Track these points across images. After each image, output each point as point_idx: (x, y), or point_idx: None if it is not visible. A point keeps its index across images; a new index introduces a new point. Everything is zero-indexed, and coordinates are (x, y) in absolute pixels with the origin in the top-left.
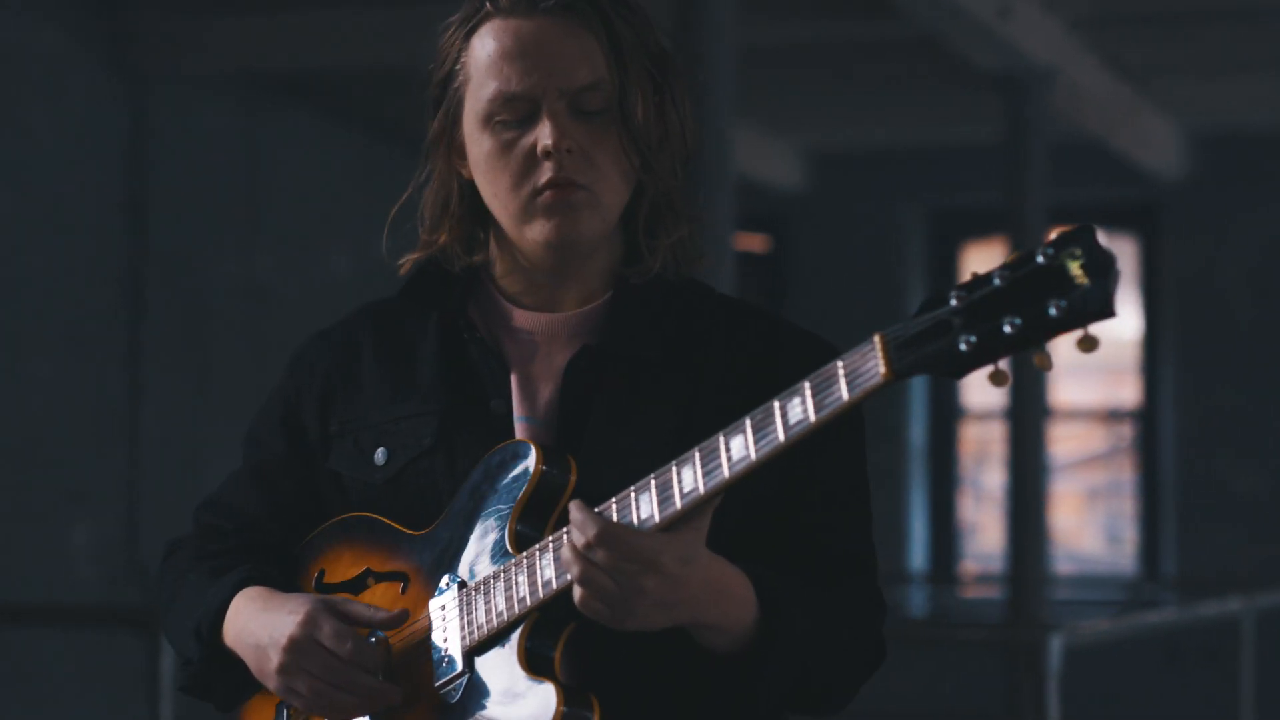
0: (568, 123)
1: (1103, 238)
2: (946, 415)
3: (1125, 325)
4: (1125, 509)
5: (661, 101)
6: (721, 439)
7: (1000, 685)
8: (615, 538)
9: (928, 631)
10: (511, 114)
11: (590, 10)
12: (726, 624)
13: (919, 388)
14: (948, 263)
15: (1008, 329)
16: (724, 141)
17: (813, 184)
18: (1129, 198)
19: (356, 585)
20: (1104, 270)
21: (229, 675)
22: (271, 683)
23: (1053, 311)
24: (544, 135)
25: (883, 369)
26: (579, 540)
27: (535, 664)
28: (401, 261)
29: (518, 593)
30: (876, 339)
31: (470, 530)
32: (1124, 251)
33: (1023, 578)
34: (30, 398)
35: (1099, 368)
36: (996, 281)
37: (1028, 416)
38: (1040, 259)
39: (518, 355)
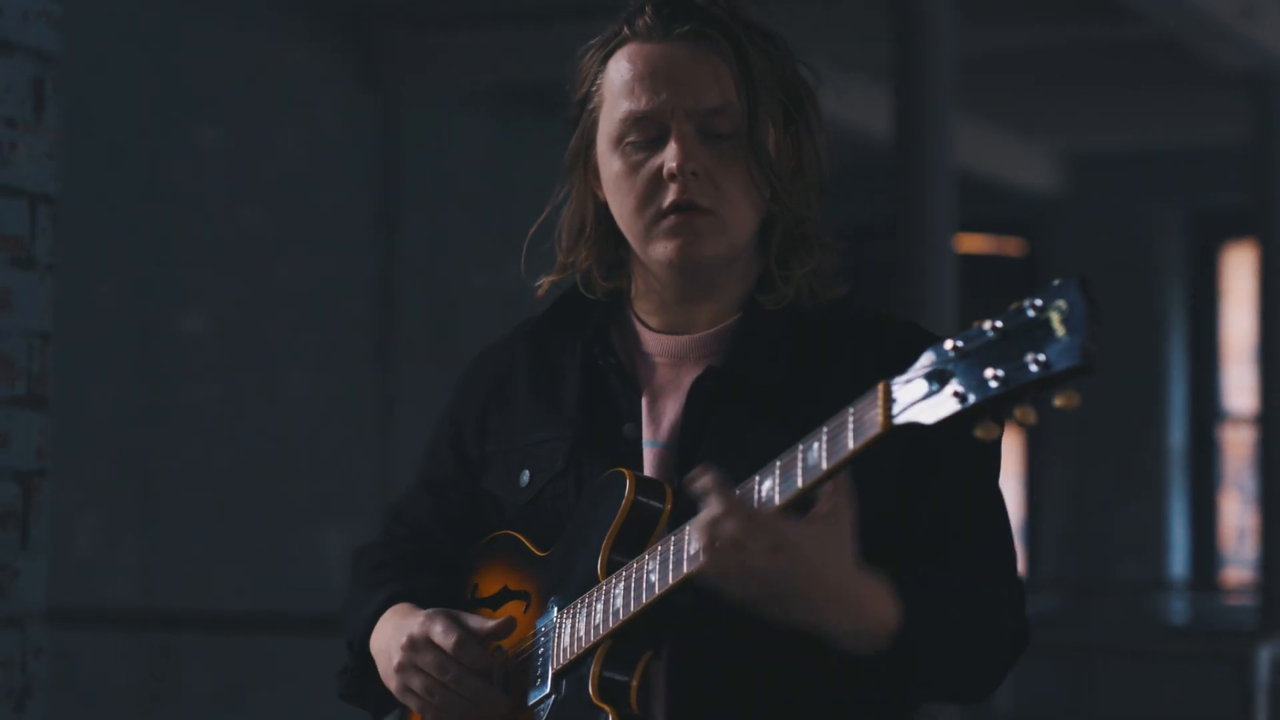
0: (695, 145)
1: (1087, 290)
2: (1207, 418)
3: None
4: None
5: (795, 132)
6: (756, 479)
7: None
8: (750, 513)
9: (1132, 641)
10: (641, 135)
11: (723, 37)
12: (867, 626)
13: (1178, 388)
14: (1206, 265)
15: (992, 383)
16: (944, 144)
17: (1067, 186)
18: None
19: (496, 601)
20: (1080, 325)
21: (378, 684)
22: (393, 683)
23: (1031, 366)
24: (669, 157)
25: (880, 419)
26: (705, 516)
27: (609, 690)
28: (539, 283)
29: (593, 619)
30: (879, 388)
31: (576, 555)
32: None
33: (1275, 585)
34: (285, 409)
35: None
36: (989, 332)
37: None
38: (1030, 311)
39: (650, 379)
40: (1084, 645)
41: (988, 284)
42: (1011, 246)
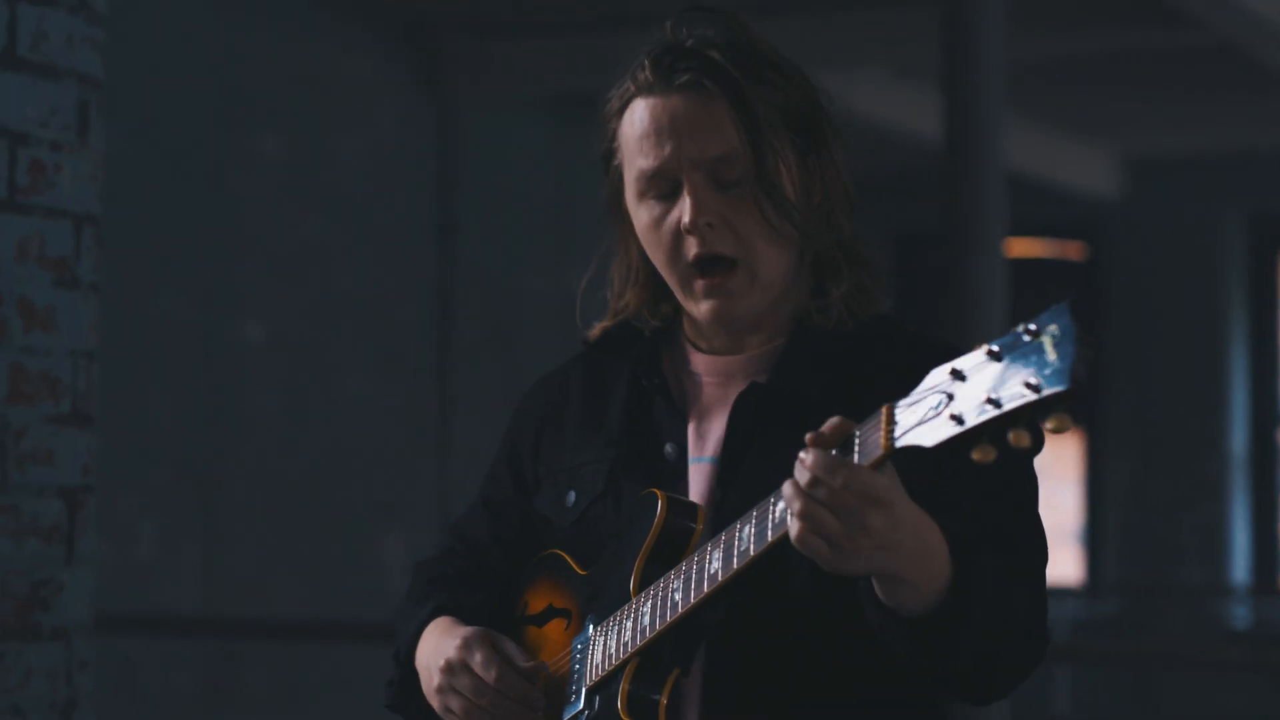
0: (707, 195)
1: (1078, 314)
2: (1268, 422)
3: None
4: None
5: (813, 159)
6: (771, 500)
7: None
8: (844, 472)
9: (1193, 649)
10: (657, 190)
11: (721, 83)
12: (924, 580)
13: (1239, 391)
14: (1266, 268)
15: (987, 406)
16: (994, 150)
17: (1128, 191)
18: None
19: (541, 619)
20: (1069, 349)
21: (421, 696)
22: (434, 701)
23: (1023, 390)
24: (684, 211)
25: (882, 441)
26: (804, 477)
27: (637, 707)
28: (591, 329)
29: (623, 637)
30: (883, 410)
31: (611, 574)
32: None
33: None
34: (344, 414)
35: None
36: (986, 356)
37: None
38: (1025, 335)
39: (697, 398)
40: (1145, 652)
41: (1049, 288)
42: (1072, 251)
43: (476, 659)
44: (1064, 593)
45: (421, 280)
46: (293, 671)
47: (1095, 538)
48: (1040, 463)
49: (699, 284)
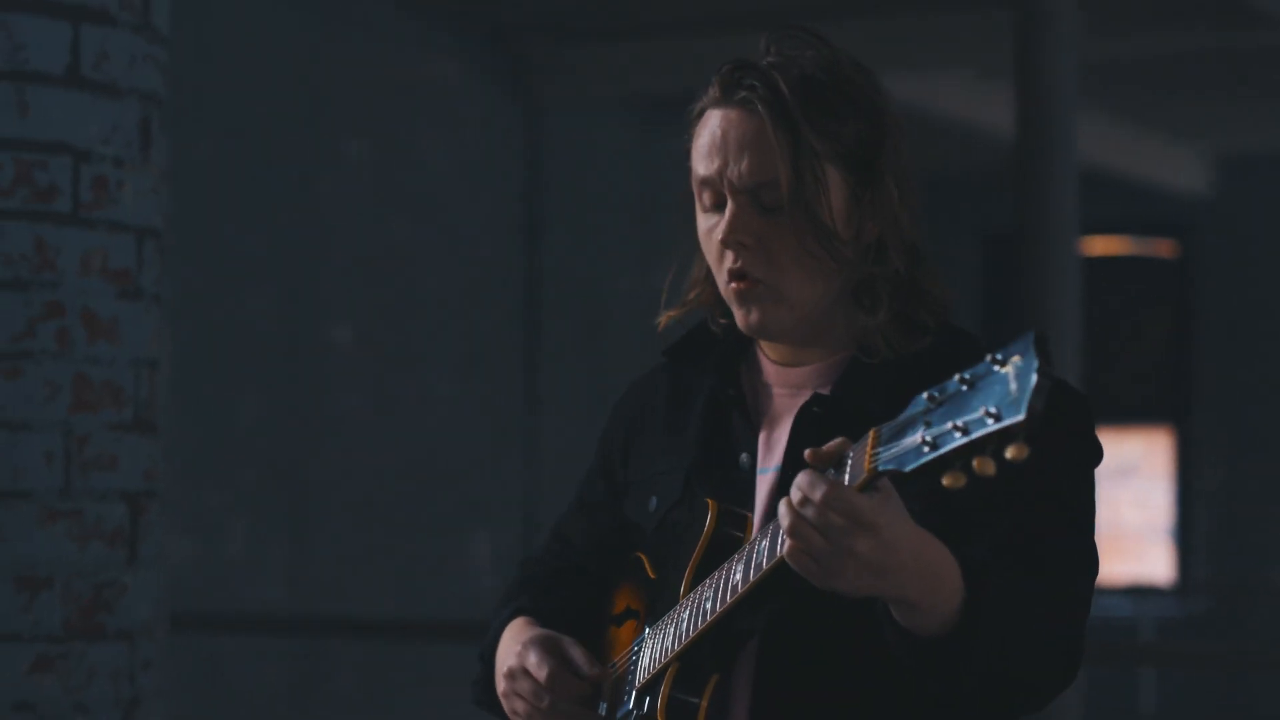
0: (748, 217)
1: (1043, 345)
2: None
3: None
4: None
5: (864, 197)
6: (769, 529)
7: None
8: (827, 491)
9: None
10: (710, 199)
11: (772, 108)
12: (932, 603)
13: None
14: None
15: (956, 433)
16: (1067, 147)
17: (1218, 188)
18: None
19: (620, 619)
20: (1027, 380)
21: None
22: (504, 705)
23: (987, 420)
24: (720, 226)
25: (865, 464)
26: (795, 496)
27: (677, 710)
28: (658, 319)
29: (666, 641)
30: (870, 434)
31: (669, 579)
32: None
33: None
34: (431, 415)
35: None
36: (961, 386)
37: None
38: (994, 365)
39: (768, 409)
40: (1233, 658)
41: (1138, 287)
42: (1163, 249)
43: (531, 661)
44: (1154, 592)
45: (507, 281)
46: (378, 670)
47: (1186, 537)
48: (1131, 461)
49: (733, 287)
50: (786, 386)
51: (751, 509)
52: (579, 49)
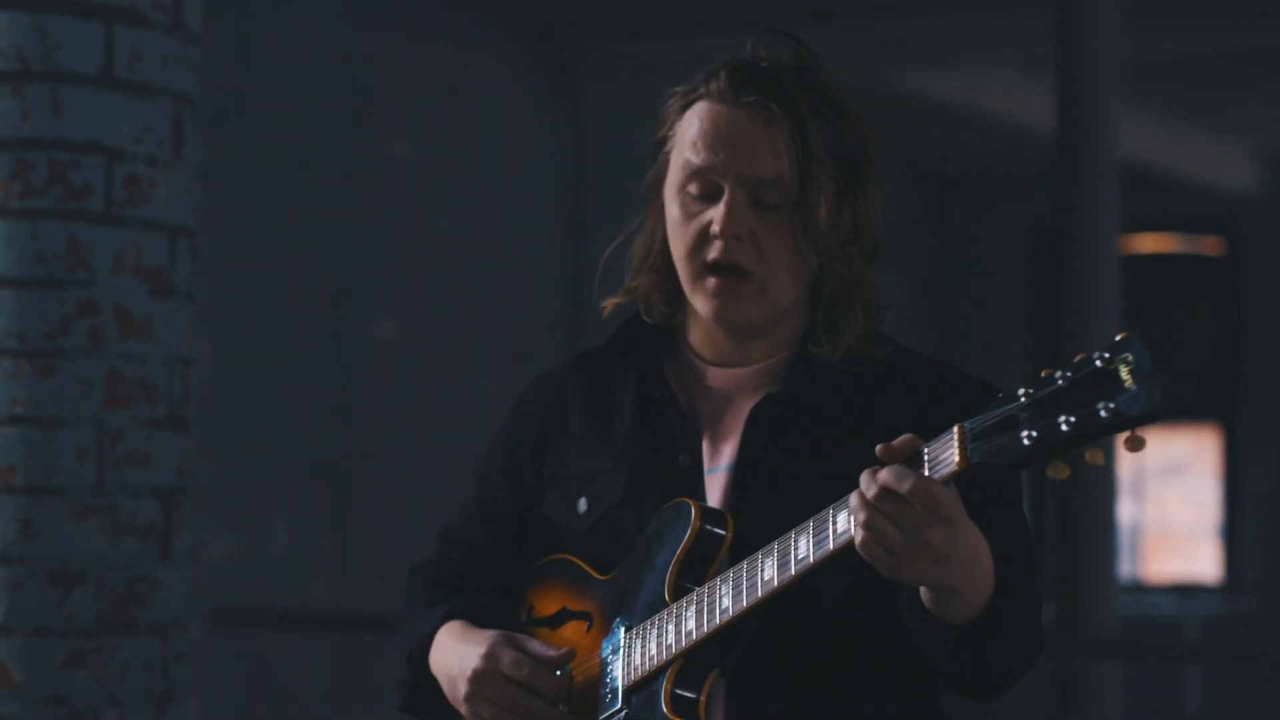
0: (744, 210)
1: (1152, 343)
2: None
3: None
4: None
5: (850, 201)
6: (830, 511)
7: None
8: (913, 484)
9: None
10: (698, 189)
11: (786, 110)
12: (972, 593)
13: None
14: None
15: (1064, 427)
16: (1108, 144)
17: (1266, 185)
18: None
19: (554, 621)
20: (1147, 376)
21: (437, 696)
22: (462, 709)
23: (1102, 413)
24: (716, 218)
25: (957, 458)
26: (871, 490)
27: (679, 705)
28: (604, 304)
29: (665, 639)
30: (955, 430)
31: (642, 579)
32: None
33: None
34: (476, 414)
35: None
36: (1059, 382)
37: None
38: (1098, 363)
39: (708, 410)
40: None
41: (1186, 285)
42: (1210, 246)
43: (505, 661)
44: (1199, 590)
45: (552, 280)
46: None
47: (1234, 535)
48: (1180, 459)
49: (710, 281)
50: (725, 386)
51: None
52: (624, 47)
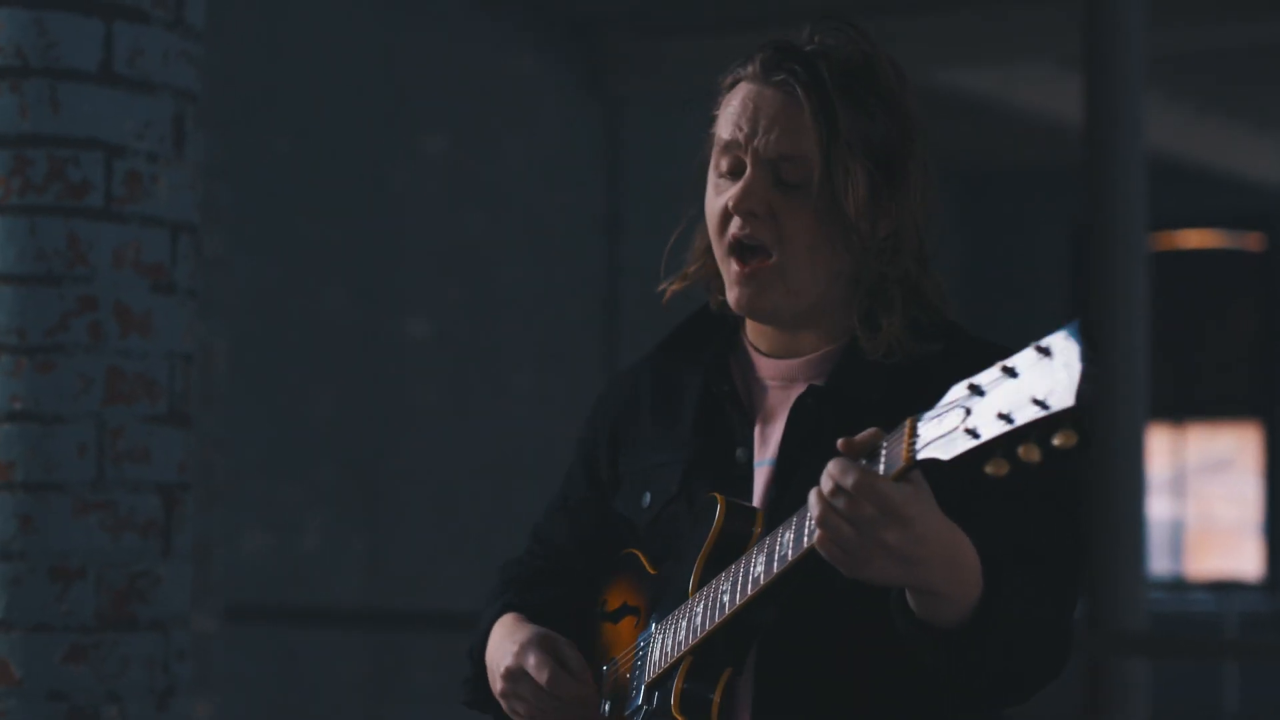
0: (762, 188)
1: (1088, 333)
2: None
3: None
4: None
5: (883, 195)
6: (801, 513)
7: None
8: (859, 480)
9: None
10: (727, 165)
11: (811, 91)
12: (955, 594)
13: None
14: None
15: (999, 421)
16: (1135, 135)
17: None
18: None
19: (616, 616)
20: (1075, 367)
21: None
22: (502, 704)
23: (1032, 406)
24: (733, 192)
25: (903, 454)
26: (826, 485)
27: (690, 704)
28: (661, 288)
29: (678, 636)
30: (906, 423)
31: (675, 574)
32: None
33: None
34: (509, 410)
35: None
36: (1001, 373)
37: None
38: (1036, 353)
39: (762, 402)
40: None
41: (1228, 280)
42: (1252, 242)
43: (530, 662)
44: (1242, 586)
45: (586, 276)
46: (454, 664)
47: (1276, 531)
48: (1223, 456)
49: (734, 269)
50: (779, 379)
51: (750, 503)
52: (658, 43)
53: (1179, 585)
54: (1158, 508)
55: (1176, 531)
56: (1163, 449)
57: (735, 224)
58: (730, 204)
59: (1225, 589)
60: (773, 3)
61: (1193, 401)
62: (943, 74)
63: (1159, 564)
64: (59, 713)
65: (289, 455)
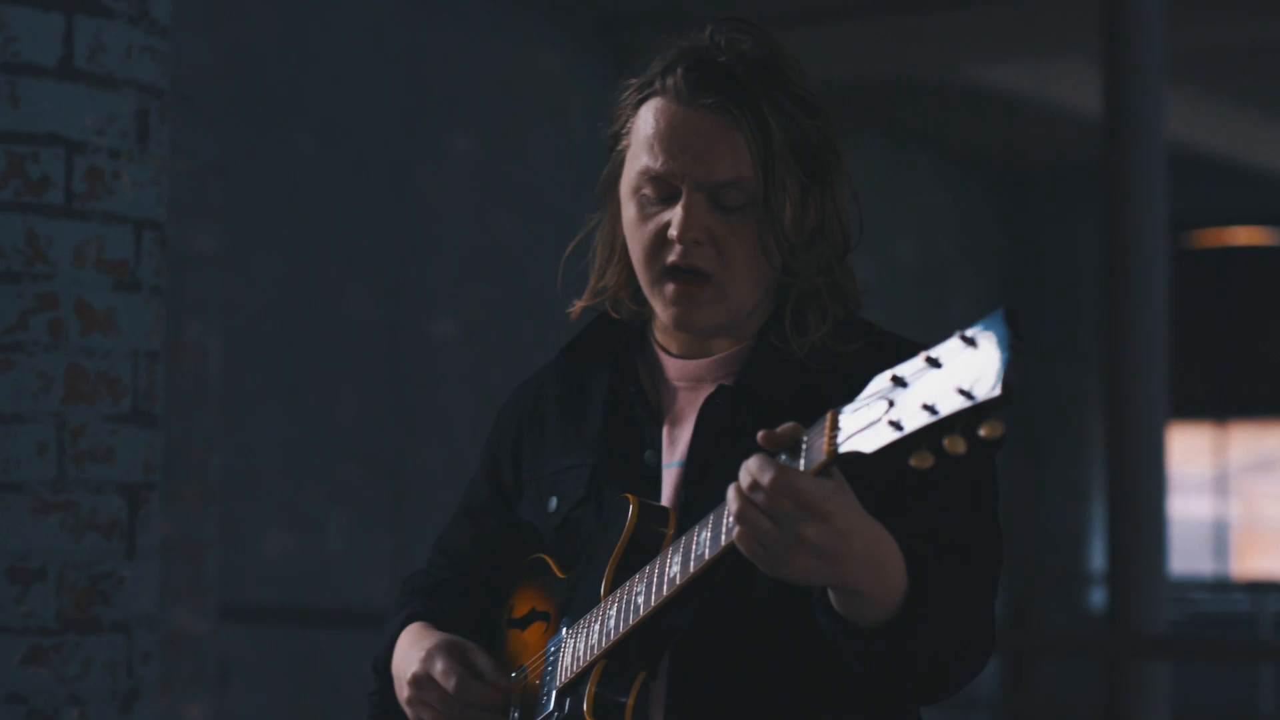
0: (704, 213)
1: (1014, 322)
2: None
3: None
4: None
5: (815, 198)
6: (726, 504)
7: None
8: (777, 476)
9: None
10: (654, 191)
11: (746, 110)
12: (879, 593)
13: None
14: None
15: (923, 412)
16: (1154, 133)
17: None
18: None
19: (524, 622)
20: (996, 357)
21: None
22: (408, 712)
23: (957, 396)
24: (675, 221)
25: (825, 447)
26: (744, 480)
27: (603, 709)
28: (570, 308)
29: (590, 640)
30: (828, 416)
31: (586, 578)
32: None
33: None
34: None
35: None
36: (925, 364)
37: None
38: (961, 342)
39: (671, 403)
40: None
41: (1268, 276)
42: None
43: (438, 669)
44: (1275, 587)
45: None
46: None
47: None
48: (1271, 454)
49: (669, 288)
50: (687, 380)
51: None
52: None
53: (1222, 585)
54: (1201, 507)
55: (1221, 531)
56: (1205, 448)
57: (676, 251)
58: (674, 233)
59: (1262, 589)
60: (797, 1)
61: (1238, 400)
62: (972, 71)
63: (1203, 564)
64: (17, 715)
65: (313, 455)
